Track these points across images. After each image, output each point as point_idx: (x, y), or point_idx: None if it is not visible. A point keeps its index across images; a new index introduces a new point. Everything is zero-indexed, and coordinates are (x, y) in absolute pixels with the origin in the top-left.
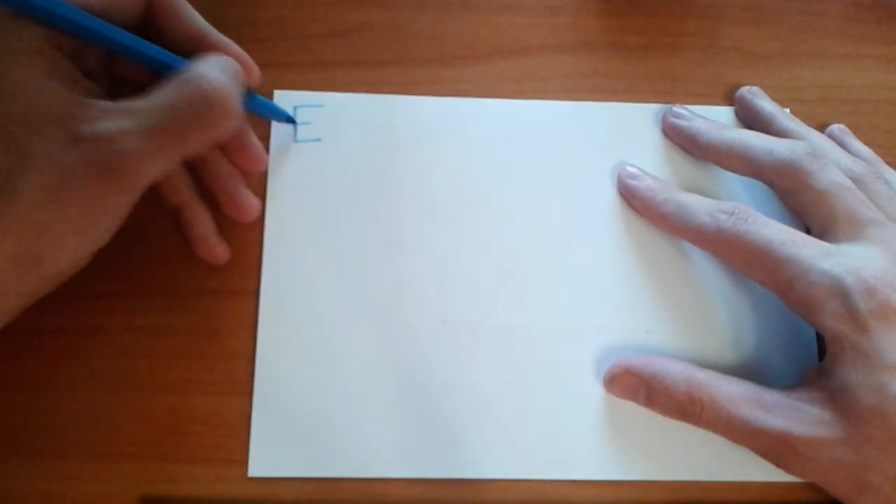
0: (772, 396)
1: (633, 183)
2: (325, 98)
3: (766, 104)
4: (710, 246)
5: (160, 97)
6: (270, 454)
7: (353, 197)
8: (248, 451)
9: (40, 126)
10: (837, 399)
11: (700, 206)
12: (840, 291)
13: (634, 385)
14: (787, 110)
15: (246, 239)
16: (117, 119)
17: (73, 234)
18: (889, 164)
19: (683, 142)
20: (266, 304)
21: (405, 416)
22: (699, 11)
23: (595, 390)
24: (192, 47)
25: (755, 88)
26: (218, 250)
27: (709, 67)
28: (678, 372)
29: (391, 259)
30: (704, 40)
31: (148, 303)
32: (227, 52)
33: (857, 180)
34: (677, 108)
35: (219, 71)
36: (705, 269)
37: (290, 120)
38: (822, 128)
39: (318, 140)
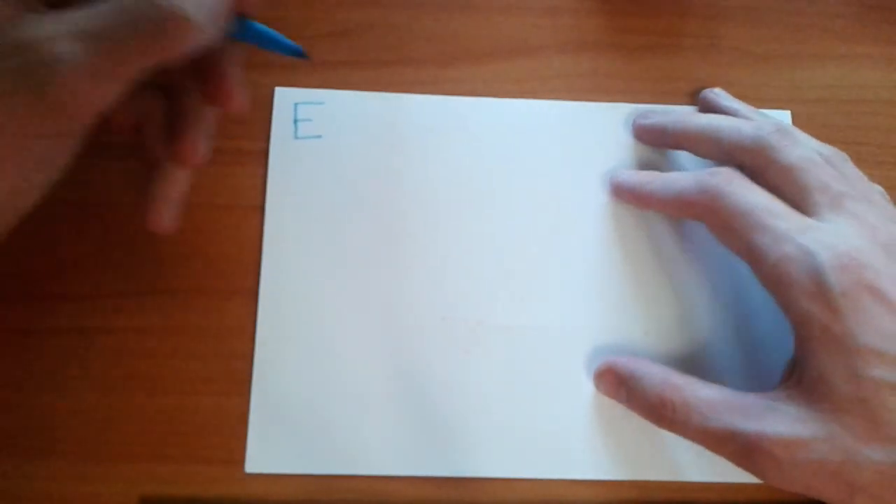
0: (747, 399)
1: (621, 178)
2: (326, 95)
3: (728, 102)
4: (692, 209)
5: (104, 4)
6: (268, 450)
7: (352, 194)
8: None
9: None
10: (812, 391)
11: (685, 175)
12: (813, 268)
13: (616, 383)
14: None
15: (246, 238)
16: (52, 24)
17: (6, 159)
18: (889, 164)
19: (655, 137)
20: (265, 301)
21: (403, 414)
22: (699, 11)
23: (594, 390)
24: None
25: (718, 90)
26: (166, 220)
27: (709, 67)
28: (656, 373)
29: (390, 257)
30: (704, 40)
31: (148, 303)
32: None
33: (825, 161)
34: (643, 111)
35: None
36: (706, 271)
37: (300, 54)
38: (822, 128)
39: (319, 137)
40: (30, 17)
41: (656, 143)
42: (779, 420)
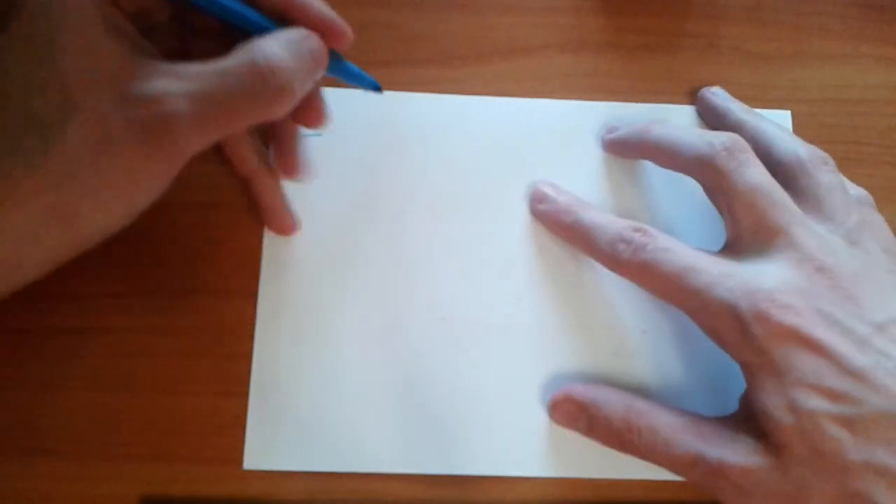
0: (709, 426)
1: (542, 207)
2: (326, 94)
3: (726, 102)
4: (617, 273)
5: (216, 66)
6: (266, 447)
7: (352, 193)
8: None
9: (89, 82)
10: (762, 424)
11: (602, 234)
12: (737, 319)
13: (575, 413)
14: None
15: (245, 238)
16: (168, 80)
17: (112, 194)
18: (889, 164)
19: (619, 150)
20: (264, 301)
21: (401, 412)
22: (699, 11)
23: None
24: (282, 11)
25: (715, 88)
26: (286, 221)
27: (709, 67)
28: (618, 400)
29: (389, 256)
30: (704, 40)
31: (148, 303)
32: (314, 17)
33: (801, 167)
34: (611, 125)
35: (283, 49)
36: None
37: (376, 88)
38: (822, 128)
39: (319, 136)
40: (148, 70)
41: (622, 155)
42: (737, 449)
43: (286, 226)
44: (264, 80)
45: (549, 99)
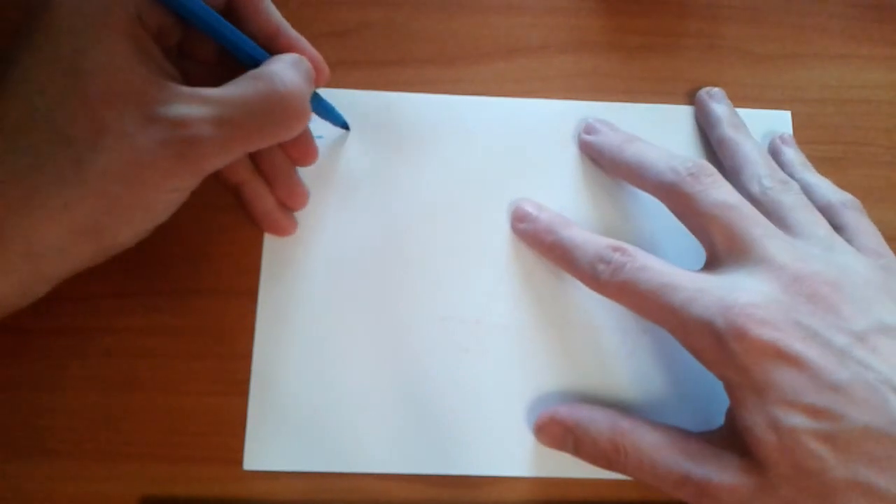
0: (696, 443)
1: (522, 227)
2: (326, 95)
3: (717, 107)
4: (598, 293)
5: (237, 90)
6: (266, 448)
7: (352, 193)
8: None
9: (118, 104)
10: (746, 442)
11: (582, 254)
12: (714, 336)
13: (561, 434)
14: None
15: (245, 238)
16: (193, 104)
17: (139, 210)
18: (889, 163)
19: (595, 157)
20: (264, 300)
21: (401, 413)
22: (699, 11)
23: (593, 388)
24: (270, 41)
25: (715, 90)
26: (284, 222)
27: (709, 67)
28: (603, 419)
29: (389, 256)
30: (704, 40)
31: (148, 303)
32: (301, 50)
33: (763, 193)
34: (591, 122)
35: (294, 72)
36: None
37: (345, 126)
38: (822, 128)
39: (320, 137)
40: (173, 92)
41: (596, 161)
42: (723, 467)
43: (284, 226)
44: (284, 105)
45: (549, 99)
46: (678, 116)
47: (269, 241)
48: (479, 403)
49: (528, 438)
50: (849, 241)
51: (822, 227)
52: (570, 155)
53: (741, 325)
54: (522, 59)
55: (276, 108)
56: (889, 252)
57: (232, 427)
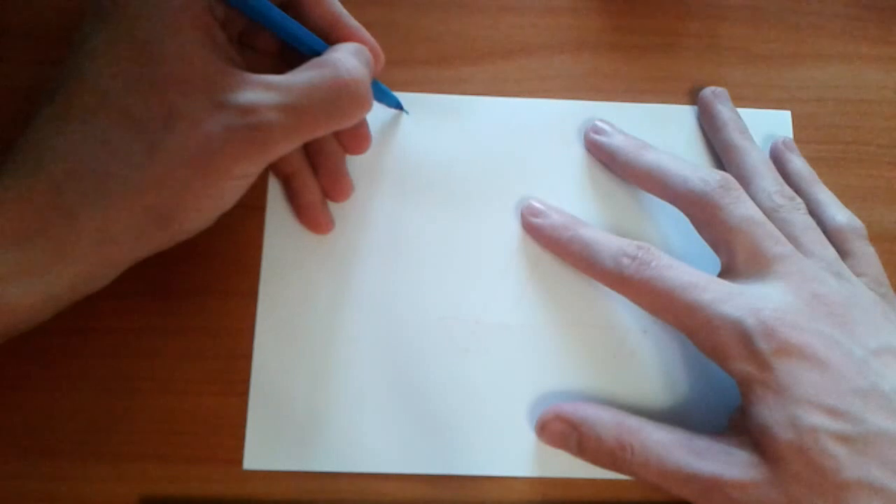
0: (702, 441)
1: (537, 221)
2: None
3: (723, 109)
4: (616, 289)
5: (303, 78)
6: (266, 447)
7: (352, 194)
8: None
9: (189, 90)
10: (759, 439)
11: (604, 248)
12: (742, 334)
13: (566, 432)
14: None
15: (246, 239)
16: (260, 91)
17: (207, 196)
18: (888, 163)
19: (604, 158)
20: (264, 300)
21: (401, 412)
22: (699, 11)
23: (593, 387)
24: (328, 31)
25: (720, 90)
26: (322, 219)
27: (709, 67)
28: (609, 418)
29: (388, 256)
30: (704, 40)
31: (148, 303)
32: (360, 39)
33: (774, 210)
34: (599, 123)
35: (356, 60)
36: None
37: (400, 107)
38: (822, 128)
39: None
40: (241, 79)
41: (605, 163)
42: (732, 463)
43: (323, 224)
44: (349, 92)
45: (549, 99)
46: (678, 116)
47: (270, 241)
48: (480, 403)
49: (529, 438)
50: (852, 267)
51: (830, 250)
52: (570, 155)
53: (772, 325)
54: (522, 59)
55: (342, 95)
56: (887, 282)
57: (232, 427)
